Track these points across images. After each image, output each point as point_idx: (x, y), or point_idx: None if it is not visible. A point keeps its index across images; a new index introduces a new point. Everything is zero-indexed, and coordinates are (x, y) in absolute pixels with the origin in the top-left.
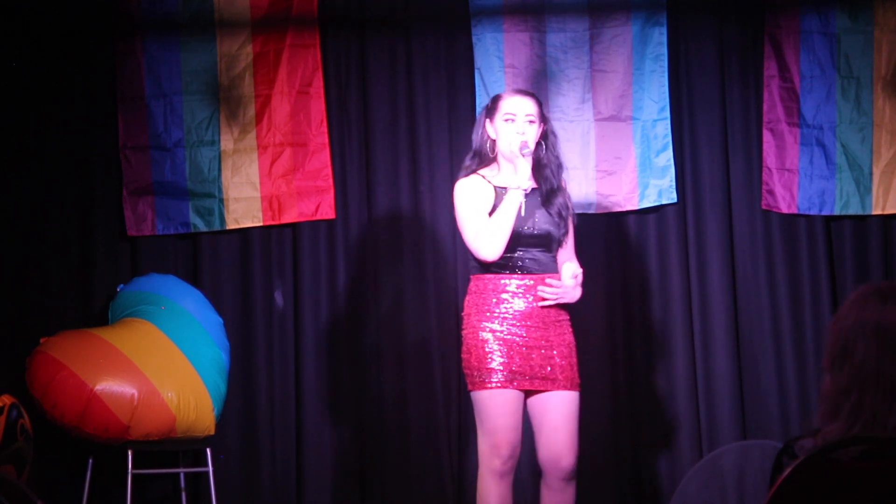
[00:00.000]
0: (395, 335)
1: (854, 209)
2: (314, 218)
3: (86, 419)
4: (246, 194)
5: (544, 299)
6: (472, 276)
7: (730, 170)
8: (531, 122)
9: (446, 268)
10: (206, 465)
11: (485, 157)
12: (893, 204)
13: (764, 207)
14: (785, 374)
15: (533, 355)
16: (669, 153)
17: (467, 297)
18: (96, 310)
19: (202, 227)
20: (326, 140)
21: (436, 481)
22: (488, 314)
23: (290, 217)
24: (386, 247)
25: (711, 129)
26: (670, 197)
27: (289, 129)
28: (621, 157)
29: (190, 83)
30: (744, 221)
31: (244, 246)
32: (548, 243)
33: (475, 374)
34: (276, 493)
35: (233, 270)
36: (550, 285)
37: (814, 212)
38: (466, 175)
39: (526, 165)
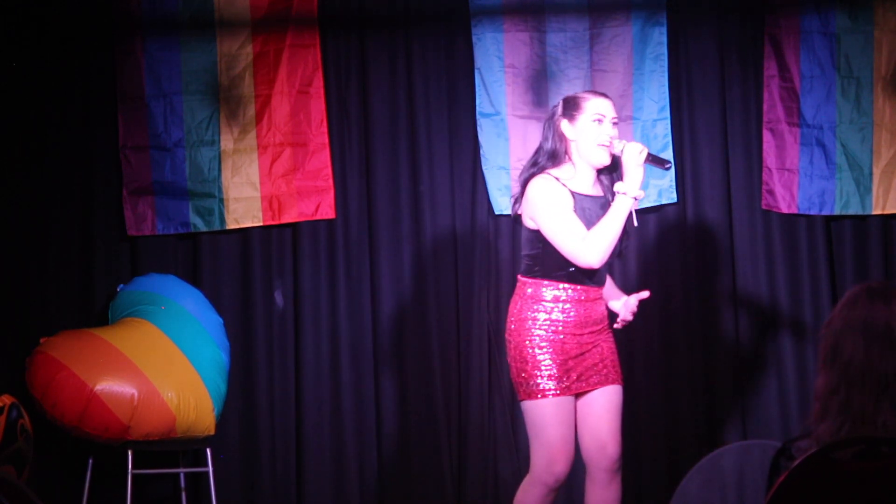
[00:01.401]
0: (395, 335)
1: (854, 209)
2: (314, 218)
3: (86, 419)
4: (246, 194)
5: (623, 322)
6: (522, 279)
7: (730, 170)
8: (615, 123)
9: (446, 267)
10: (206, 465)
11: (557, 158)
12: (893, 204)
13: (764, 207)
14: (785, 374)
15: (587, 358)
16: (669, 153)
17: (517, 302)
18: (96, 310)
19: (202, 227)
20: (326, 140)
21: (436, 481)
22: (543, 321)
23: (290, 217)
24: (386, 247)
25: (711, 128)
26: (670, 197)
27: (289, 129)
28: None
29: (190, 83)
30: (744, 221)
31: (244, 246)
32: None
33: (530, 382)
34: (276, 493)
35: (233, 270)
36: (626, 321)
37: (814, 212)
38: (538, 173)
39: (641, 173)
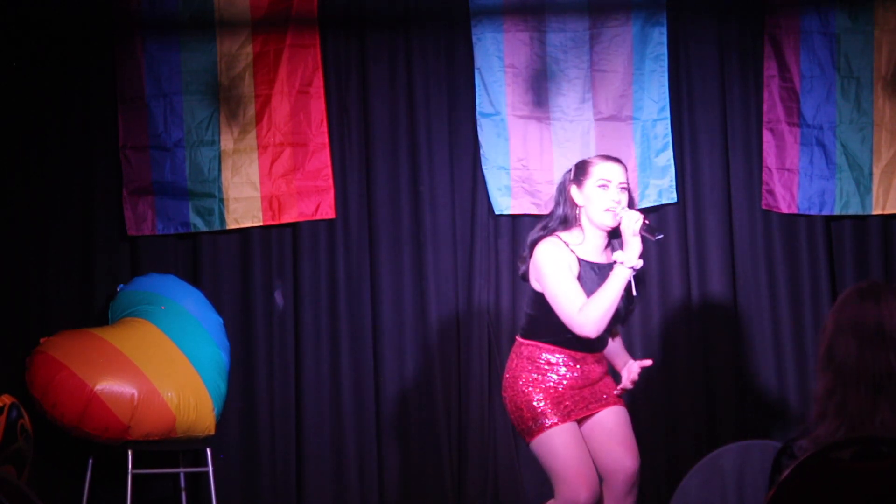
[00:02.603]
0: (395, 335)
1: (854, 209)
2: (314, 218)
3: (86, 419)
4: (246, 194)
5: (625, 388)
6: (519, 339)
7: (730, 170)
8: (623, 188)
9: (446, 267)
10: (206, 465)
11: (568, 223)
12: (893, 204)
13: (764, 207)
14: (785, 374)
15: (583, 390)
16: (669, 153)
17: (514, 360)
18: (96, 310)
19: (202, 227)
20: (326, 140)
21: (436, 481)
22: (535, 379)
23: (290, 217)
24: (386, 247)
25: (711, 129)
26: (670, 197)
27: (289, 129)
28: (621, 156)
29: (190, 83)
30: (744, 221)
31: (244, 246)
32: (616, 321)
33: (530, 424)
34: (276, 493)
35: (233, 270)
36: (625, 389)
37: (814, 212)
38: (547, 236)
39: (639, 242)
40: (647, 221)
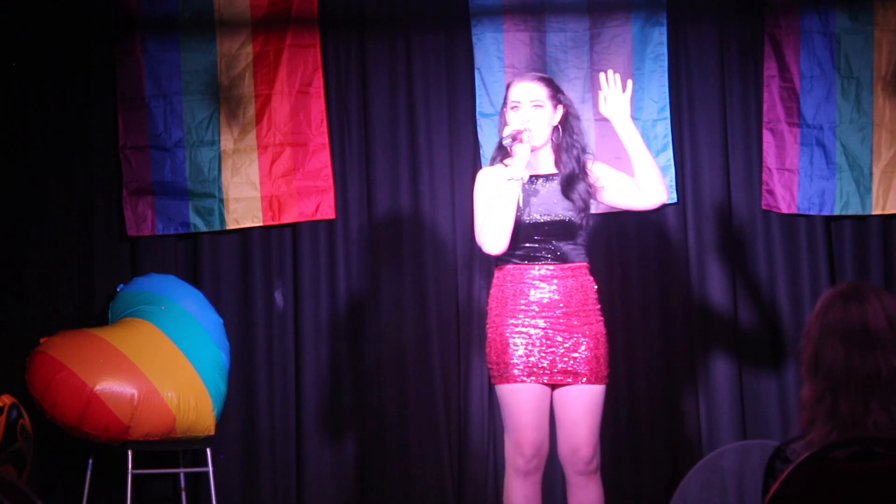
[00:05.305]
0: (395, 335)
1: (854, 209)
2: (314, 218)
3: (86, 419)
4: (246, 194)
5: None
6: (494, 269)
7: (730, 170)
8: (537, 106)
9: (446, 267)
10: (206, 465)
11: (505, 149)
12: (893, 204)
13: (764, 207)
14: (785, 374)
15: (555, 349)
16: (669, 153)
17: (491, 291)
18: (96, 310)
19: (202, 227)
20: (326, 140)
21: (436, 481)
22: (510, 307)
23: (290, 217)
24: (386, 247)
25: (711, 129)
26: (670, 197)
27: (289, 129)
28: (621, 157)
29: (190, 83)
30: (744, 221)
31: (244, 246)
32: (568, 231)
33: (496, 368)
34: (275, 493)
35: (233, 270)
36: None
37: (814, 212)
38: (490, 165)
39: (518, 155)
40: (522, 131)
